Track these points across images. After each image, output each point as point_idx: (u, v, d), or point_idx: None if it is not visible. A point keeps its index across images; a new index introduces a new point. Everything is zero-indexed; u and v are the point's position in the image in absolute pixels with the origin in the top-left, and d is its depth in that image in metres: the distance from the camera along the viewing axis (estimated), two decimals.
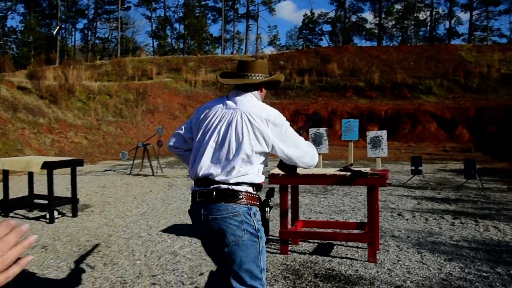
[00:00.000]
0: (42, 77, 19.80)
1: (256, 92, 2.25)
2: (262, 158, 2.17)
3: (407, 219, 5.50)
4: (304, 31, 47.18)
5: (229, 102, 2.20)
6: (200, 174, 2.12)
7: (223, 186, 2.07)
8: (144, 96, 24.61)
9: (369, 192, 3.72)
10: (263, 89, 2.31)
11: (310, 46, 41.82)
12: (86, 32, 50.35)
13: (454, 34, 42.71)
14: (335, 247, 4.30)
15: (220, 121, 2.14)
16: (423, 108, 23.11)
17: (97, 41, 50.83)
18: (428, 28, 42.89)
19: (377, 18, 42.64)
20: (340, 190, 7.94)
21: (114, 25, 48.89)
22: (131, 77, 30.56)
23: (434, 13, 42.52)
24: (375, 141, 9.52)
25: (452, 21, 42.46)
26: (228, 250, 2.08)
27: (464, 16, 50.68)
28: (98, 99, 23.22)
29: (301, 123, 24.62)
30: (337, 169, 4.01)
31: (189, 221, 3.91)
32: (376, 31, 42.93)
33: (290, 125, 2.23)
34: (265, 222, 2.70)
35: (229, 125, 2.11)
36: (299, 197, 5.30)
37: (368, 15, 73.65)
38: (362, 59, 30.74)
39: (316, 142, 10.00)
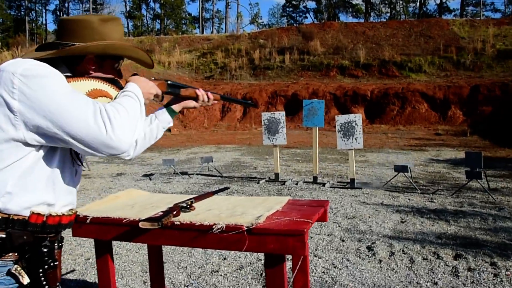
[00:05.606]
0: None
1: None
2: (16, 159, 1.11)
3: (380, 261, 3.35)
4: (287, 9, 44.52)
5: None
6: None
7: None
8: None
9: (267, 267, 1.56)
10: None
11: (294, 24, 39.35)
12: (58, 13, 48.12)
13: (445, 9, 40.44)
14: None
15: None
16: (413, 88, 20.96)
17: None
18: (418, 3, 40.51)
19: None
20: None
21: (88, 6, 46.77)
22: None
23: None
24: (347, 128, 7.27)
25: None
26: None
27: None
28: None
29: (280, 106, 22.35)
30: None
31: None
32: (363, 7, 40.44)
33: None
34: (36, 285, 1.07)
35: None
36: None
37: None
38: (347, 36, 28.43)
39: (271, 130, 7.80)
